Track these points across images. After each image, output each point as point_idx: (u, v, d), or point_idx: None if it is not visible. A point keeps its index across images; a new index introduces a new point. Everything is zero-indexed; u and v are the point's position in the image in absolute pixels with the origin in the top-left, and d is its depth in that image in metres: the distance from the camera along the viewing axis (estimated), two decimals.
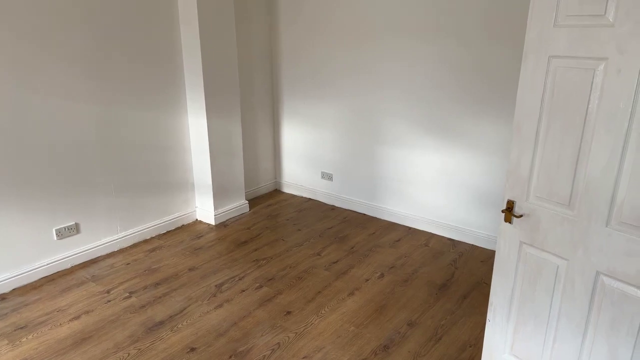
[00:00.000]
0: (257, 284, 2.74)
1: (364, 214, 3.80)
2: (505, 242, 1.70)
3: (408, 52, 3.22)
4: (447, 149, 3.21)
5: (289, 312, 2.46)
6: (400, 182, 3.53)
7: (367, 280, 2.78)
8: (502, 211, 1.66)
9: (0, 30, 2.40)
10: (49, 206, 2.77)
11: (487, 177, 3.08)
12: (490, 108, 2.95)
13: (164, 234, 3.44)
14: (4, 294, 2.64)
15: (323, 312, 2.46)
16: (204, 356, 2.12)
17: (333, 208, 3.95)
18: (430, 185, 3.38)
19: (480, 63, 2.92)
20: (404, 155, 3.45)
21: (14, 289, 2.68)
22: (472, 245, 3.24)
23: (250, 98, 3.98)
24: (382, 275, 2.83)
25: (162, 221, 3.45)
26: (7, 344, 2.22)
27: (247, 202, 3.92)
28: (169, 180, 3.44)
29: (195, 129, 3.47)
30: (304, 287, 2.71)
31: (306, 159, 4.13)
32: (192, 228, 3.57)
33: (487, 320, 1.84)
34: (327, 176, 4.01)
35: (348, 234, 3.43)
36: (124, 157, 3.10)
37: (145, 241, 3.31)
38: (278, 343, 2.21)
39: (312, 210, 3.93)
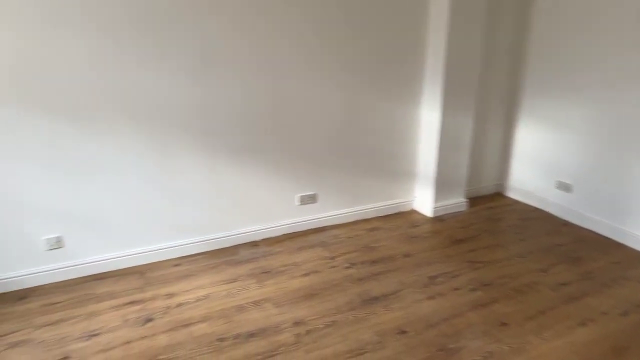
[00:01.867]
0: (472, 286, 2.65)
1: (607, 238, 3.25)
2: None
3: None
4: None
5: (504, 324, 2.31)
6: None
7: (605, 313, 2.39)
8: None
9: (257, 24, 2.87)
10: (296, 175, 3.23)
11: None
12: None
13: (383, 216, 3.64)
14: (255, 241, 3.22)
15: (546, 334, 2.23)
16: (414, 341, 2.18)
17: (566, 224, 3.50)
18: None
19: None
20: None
21: (263, 239, 3.25)
22: None
23: (485, 94, 3.81)
24: (625, 313, 2.39)
25: (382, 204, 3.64)
26: (255, 282, 2.71)
27: (466, 200, 3.81)
28: (394, 167, 3.60)
29: (427, 122, 3.52)
30: (524, 302, 2.50)
31: (540, 163, 3.75)
32: (409, 216, 3.67)
33: None
34: (563, 186, 3.57)
35: (583, 256, 2.99)
36: (361, 141, 3.37)
37: (366, 220, 3.56)
38: (490, 352, 2.11)
39: (539, 221, 3.57)
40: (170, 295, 2.56)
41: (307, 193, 3.31)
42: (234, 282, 2.70)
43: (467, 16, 3.24)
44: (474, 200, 3.98)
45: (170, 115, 2.70)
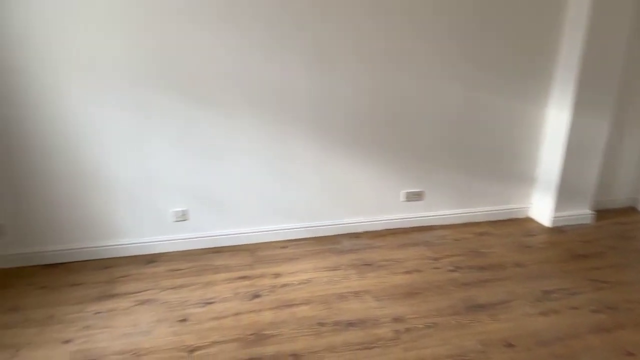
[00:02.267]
0: (593, 307, 2.39)
1: None
2: None
3: None
4: None
5: (631, 354, 2.06)
6: None
7: None
8: None
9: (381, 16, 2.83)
10: (403, 171, 3.18)
11: None
12: None
13: (494, 221, 3.44)
14: (357, 233, 3.25)
15: None
16: (522, 357, 2.04)
17: None
18: None
19: None
20: None
21: (365, 232, 3.27)
22: None
23: (624, 95, 3.38)
24: None
25: (495, 209, 3.44)
26: (356, 273, 2.74)
27: (592, 212, 3.44)
28: (510, 169, 3.37)
29: (553, 122, 3.23)
30: None
31: None
32: (524, 224, 3.42)
33: None
34: None
35: None
36: (477, 139, 3.21)
37: (476, 224, 3.40)
38: None
39: None
40: (277, 275, 2.70)
41: (414, 190, 3.25)
42: (336, 270, 2.77)
43: (612, 5, 2.89)
44: (602, 214, 3.57)
45: (290, 106, 2.82)
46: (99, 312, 2.34)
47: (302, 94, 2.82)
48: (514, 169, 3.38)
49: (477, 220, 3.43)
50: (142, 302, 2.44)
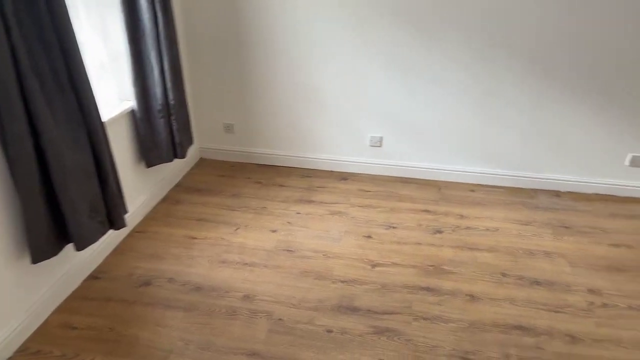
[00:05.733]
0: None
1: None
2: None
3: None
4: None
5: None
6: None
7: None
8: None
9: None
10: (633, 131, 2.68)
11: None
12: None
13: None
14: (558, 191, 2.94)
15: None
16: None
17: None
18: None
19: None
20: None
21: (568, 192, 2.93)
22: None
23: None
24: None
25: None
26: (551, 233, 2.52)
27: None
28: None
29: None
30: None
31: None
32: None
33: None
34: None
35: None
36: None
37: None
38: None
39: None
40: (461, 217, 2.66)
41: None
42: (528, 225, 2.59)
43: None
44: None
45: (507, 39, 2.57)
46: (299, 213, 2.69)
47: (524, 23, 2.53)
48: None
49: None
50: (334, 213, 2.70)
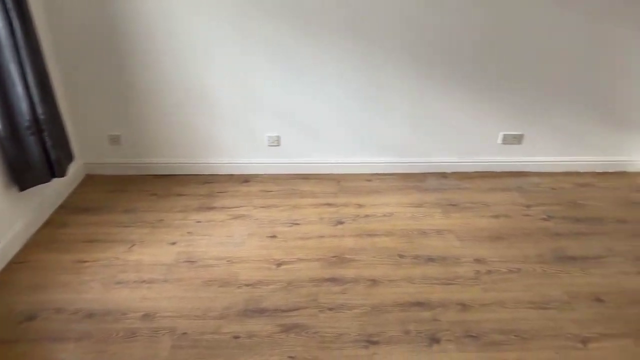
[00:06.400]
0: None
1: None
2: None
3: None
4: None
5: None
6: None
7: None
8: None
9: None
10: (502, 112, 2.98)
11: None
12: None
13: (600, 173, 3.15)
14: (445, 173, 3.18)
15: None
16: (610, 313, 1.95)
17: None
18: None
19: None
20: None
21: (453, 172, 3.18)
22: None
23: None
24: None
25: (601, 159, 3.15)
26: (440, 212, 2.72)
27: None
28: (629, 118, 3.01)
29: None
30: None
31: None
32: (634, 178, 3.10)
33: None
34: None
35: None
36: (595, 82, 2.88)
37: (577, 174, 3.15)
38: None
39: None
40: (360, 206, 2.77)
41: (513, 133, 3.06)
42: (420, 207, 2.77)
43: None
44: None
45: (385, 31, 2.72)
46: (199, 221, 2.61)
47: (401, 18, 2.69)
48: (633, 117, 3.01)
49: (579, 170, 3.17)
50: (237, 217, 2.66)
